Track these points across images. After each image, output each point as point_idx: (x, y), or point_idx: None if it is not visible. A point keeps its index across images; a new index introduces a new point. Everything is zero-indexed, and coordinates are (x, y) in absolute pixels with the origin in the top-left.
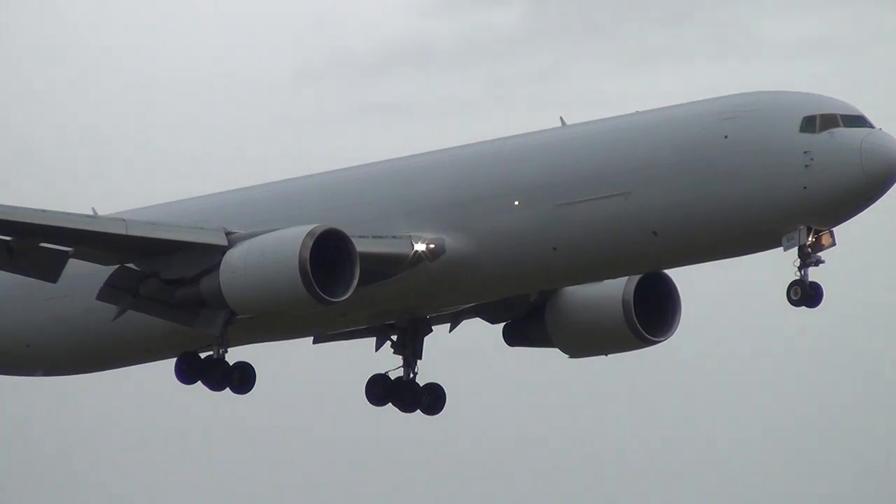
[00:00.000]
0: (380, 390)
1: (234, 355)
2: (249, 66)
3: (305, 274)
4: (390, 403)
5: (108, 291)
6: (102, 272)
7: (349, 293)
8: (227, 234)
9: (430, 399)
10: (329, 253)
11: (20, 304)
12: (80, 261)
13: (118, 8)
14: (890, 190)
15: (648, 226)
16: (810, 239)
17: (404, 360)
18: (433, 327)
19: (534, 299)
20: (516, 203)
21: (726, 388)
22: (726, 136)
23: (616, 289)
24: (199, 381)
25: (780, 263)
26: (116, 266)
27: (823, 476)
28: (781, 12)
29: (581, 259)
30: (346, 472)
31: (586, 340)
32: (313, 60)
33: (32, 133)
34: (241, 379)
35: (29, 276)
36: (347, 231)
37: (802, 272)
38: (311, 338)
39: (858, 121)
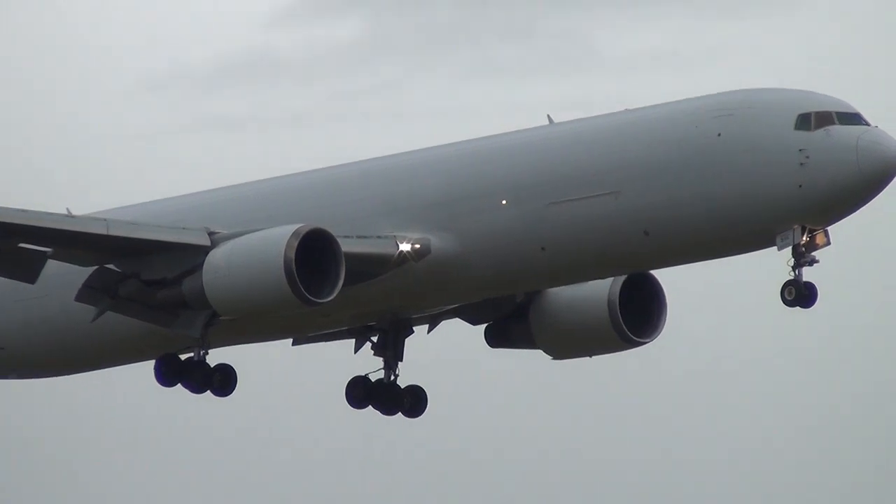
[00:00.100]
0: (360, 393)
1: (212, 357)
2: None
3: (291, 274)
4: (371, 406)
5: (87, 293)
6: (79, 273)
7: (335, 294)
8: (210, 234)
9: (412, 401)
10: (314, 253)
11: None
12: (56, 261)
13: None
14: (885, 188)
15: (639, 225)
16: (804, 238)
17: (385, 361)
18: (414, 328)
19: (520, 300)
20: (504, 202)
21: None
22: (719, 134)
23: (601, 289)
24: (180, 384)
25: (773, 263)
26: (95, 267)
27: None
28: (621, 26)
29: (570, 259)
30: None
31: (571, 341)
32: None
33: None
34: (223, 381)
35: (7, 277)
36: (332, 231)
37: (797, 272)
38: (290, 339)
39: (854, 118)
